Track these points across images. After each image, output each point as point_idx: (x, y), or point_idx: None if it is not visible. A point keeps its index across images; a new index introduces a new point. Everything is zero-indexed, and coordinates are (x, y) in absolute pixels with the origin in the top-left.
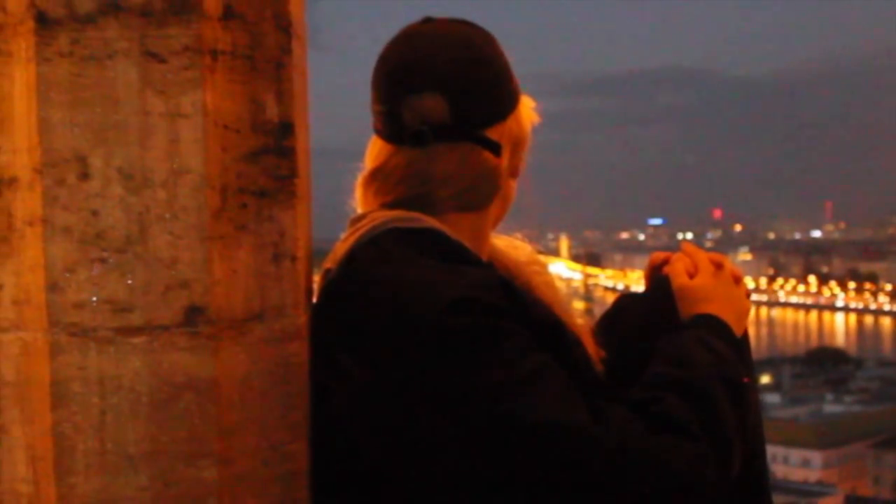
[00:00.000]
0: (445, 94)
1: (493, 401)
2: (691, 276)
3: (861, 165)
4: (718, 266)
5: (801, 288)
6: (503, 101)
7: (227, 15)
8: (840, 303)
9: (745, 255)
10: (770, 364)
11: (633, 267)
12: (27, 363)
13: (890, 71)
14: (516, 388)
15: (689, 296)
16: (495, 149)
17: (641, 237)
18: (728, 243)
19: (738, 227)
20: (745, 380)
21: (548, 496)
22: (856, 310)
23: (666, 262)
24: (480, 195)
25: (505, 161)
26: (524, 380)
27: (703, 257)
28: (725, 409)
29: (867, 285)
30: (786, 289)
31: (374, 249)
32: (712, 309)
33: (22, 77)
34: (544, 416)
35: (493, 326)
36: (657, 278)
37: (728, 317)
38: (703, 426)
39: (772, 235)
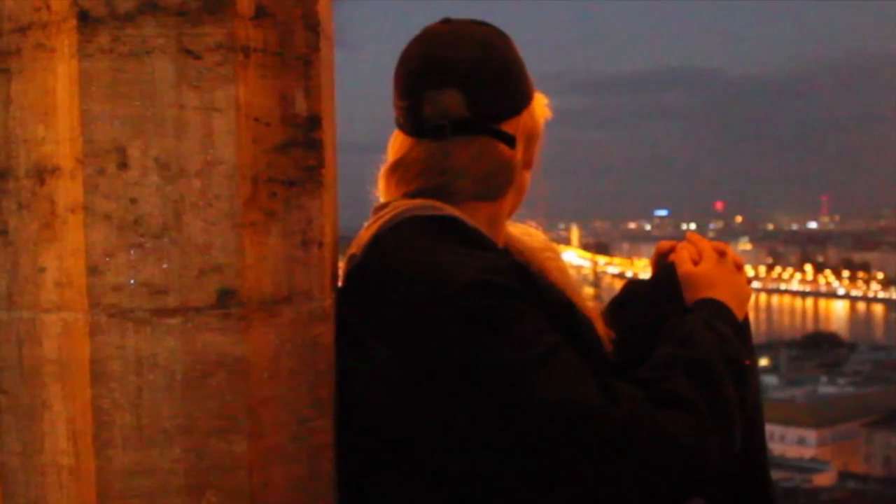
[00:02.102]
0: (463, 90)
1: (509, 378)
2: (695, 264)
3: (855, 161)
4: (721, 254)
5: (798, 276)
6: (517, 97)
7: (259, 14)
8: (838, 291)
9: (745, 245)
10: (768, 348)
11: (639, 255)
12: (68, 342)
13: (884, 72)
14: (531, 366)
15: (693, 282)
16: (510, 141)
17: (648, 227)
18: (729, 234)
19: (738, 219)
20: (746, 360)
21: (561, 468)
22: (849, 297)
23: (672, 250)
24: (496, 185)
25: (519, 153)
26: (539, 358)
27: (706, 246)
28: (728, 387)
29: (860, 274)
30: (784, 277)
31: (396, 236)
32: (715, 294)
33: (65, 72)
34: (558, 393)
35: (509, 307)
36: (663, 265)
37: (730, 301)
38: (708, 403)
39: (771, 226)
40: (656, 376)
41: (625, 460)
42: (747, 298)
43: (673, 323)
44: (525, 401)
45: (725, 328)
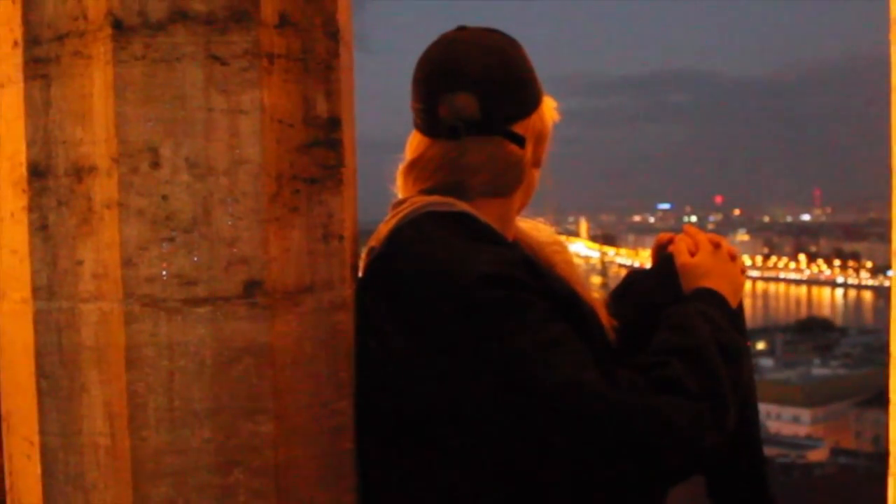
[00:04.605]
0: (477, 93)
1: (517, 363)
2: (692, 255)
3: (846, 157)
4: (717, 246)
5: (793, 265)
6: (527, 100)
7: (282, 23)
8: (833, 279)
9: (742, 236)
10: (764, 332)
11: (644, 246)
12: (105, 330)
13: (872, 72)
14: (538, 353)
15: (690, 272)
16: (520, 142)
17: (651, 220)
18: (728, 225)
19: (736, 212)
20: (739, 345)
21: (564, 448)
22: (841, 284)
23: (670, 241)
24: (507, 183)
25: (529, 153)
26: (544, 346)
27: (703, 238)
28: (721, 371)
29: (851, 263)
30: (779, 266)
31: (413, 230)
32: (710, 283)
33: (101, 77)
34: (562, 378)
35: (517, 298)
36: (662, 256)
37: (724, 290)
38: (703, 387)
39: (766, 219)
40: (654, 362)
41: (624, 441)
42: (741, 287)
43: (670, 311)
44: (531, 384)
45: (719, 316)
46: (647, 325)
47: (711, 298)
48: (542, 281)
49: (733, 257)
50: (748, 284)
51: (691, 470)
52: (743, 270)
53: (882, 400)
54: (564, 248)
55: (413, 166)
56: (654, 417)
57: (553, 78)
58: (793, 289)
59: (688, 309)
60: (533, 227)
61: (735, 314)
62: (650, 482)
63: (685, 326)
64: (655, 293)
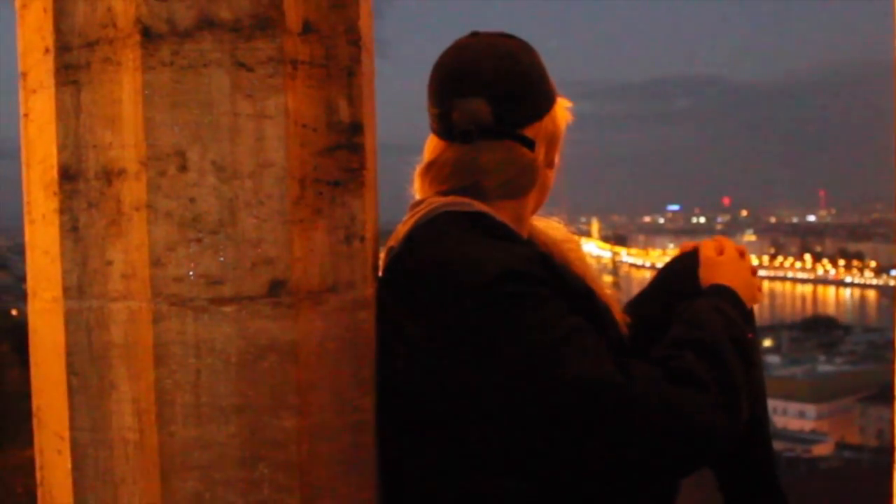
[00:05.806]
0: (489, 98)
1: (535, 357)
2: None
3: (850, 159)
4: (742, 255)
5: (798, 264)
6: (539, 104)
7: (306, 30)
8: (839, 278)
9: (749, 237)
10: (771, 330)
11: (654, 246)
12: (133, 328)
13: (874, 78)
14: (555, 347)
15: (711, 265)
16: (531, 145)
17: (661, 220)
18: (735, 226)
19: (744, 213)
20: (750, 336)
21: (581, 439)
22: (845, 283)
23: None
24: (520, 184)
25: (541, 155)
26: (561, 340)
27: (731, 245)
28: (734, 364)
29: (855, 263)
30: (785, 265)
31: (430, 229)
32: (726, 280)
33: (130, 83)
34: (579, 371)
35: (534, 294)
36: (688, 251)
37: (739, 289)
38: (715, 379)
39: (773, 219)
40: (668, 355)
41: (638, 431)
42: (755, 295)
43: (684, 306)
44: (549, 378)
45: (732, 311)
46: (663, 316)
47: (725, 294)
48: (558, 277)
49: (754, 272)
50: None
51: (704, 461)
52: (760, 288)
53: (886, 395)
54: (578, 246)
55: (429, 168)
56: (668, 409)
57: (564, 82)
58: (799, 288)
59: (701, 304)
60: (548, 225)
61: (747, 309)
62: (663, 473)
63: (698, 320)
64: (675, 277)
